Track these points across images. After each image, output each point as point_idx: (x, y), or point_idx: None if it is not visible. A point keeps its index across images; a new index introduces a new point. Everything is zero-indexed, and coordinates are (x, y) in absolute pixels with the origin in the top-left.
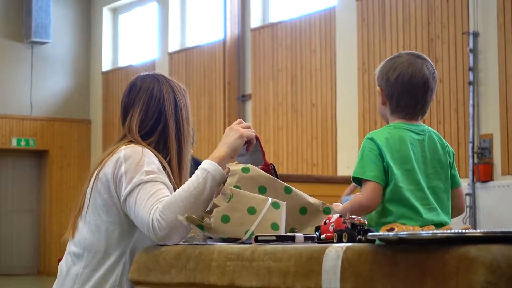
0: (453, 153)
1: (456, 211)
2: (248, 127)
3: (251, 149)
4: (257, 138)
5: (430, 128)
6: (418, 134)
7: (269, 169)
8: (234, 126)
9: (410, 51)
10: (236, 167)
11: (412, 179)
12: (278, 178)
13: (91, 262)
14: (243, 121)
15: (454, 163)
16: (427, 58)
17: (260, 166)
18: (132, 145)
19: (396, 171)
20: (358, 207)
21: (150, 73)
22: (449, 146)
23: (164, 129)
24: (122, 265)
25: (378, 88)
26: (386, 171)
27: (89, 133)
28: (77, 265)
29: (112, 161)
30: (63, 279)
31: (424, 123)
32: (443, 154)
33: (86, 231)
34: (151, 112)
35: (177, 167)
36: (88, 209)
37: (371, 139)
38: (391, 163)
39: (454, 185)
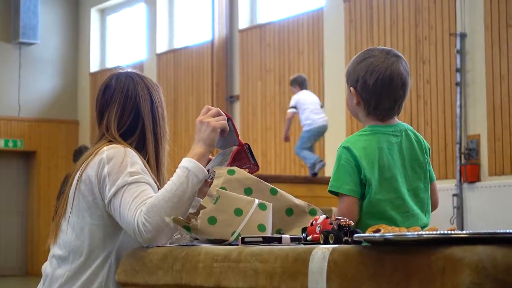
0: (429, 149)
1: (431, 206)
2: (218, 114)
3: (225, 134)
4: (229, 119)
5: (405, 124)
6: (395, 136)
7: (244, 149)
8: (204, 118)
9: (381, 47)
10: (221, 169)
11: (391, 187)
12: (254, 158)
13: (76, 265)
14: (210, 107)
15: (429, 158)
16: (400, 54)
17: (235, 148)
18: (114, 145)
19: (374, 182)
20: None
21: (124, 71)
22: (425, 141)
23: (142, 128)
24: (108, 266)
25: (352, 89)
26: (363, 183)
27: (77, 134)
28: (62, 267)
29: (94, 163)
30: (49, 283)
31: (411, 125)
32: (420, 153)
33: (70, 234)
34: (128, 111)
35: (155, 165)
36: (72, 212)
37: (347, 148)
38: (369, 175)
39: (430, 180)
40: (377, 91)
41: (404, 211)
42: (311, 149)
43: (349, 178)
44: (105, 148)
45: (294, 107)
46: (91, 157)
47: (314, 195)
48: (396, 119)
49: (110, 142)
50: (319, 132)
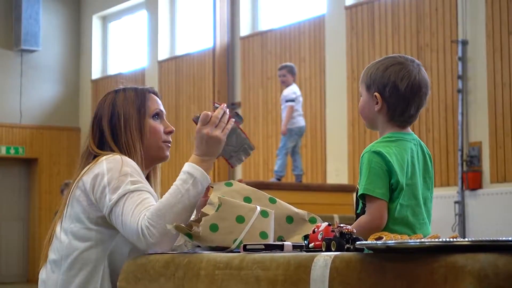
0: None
1: None
2: (219, 120)
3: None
4: (236, 115)
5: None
6: (414, 144)
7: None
8: (210, 131)
9: (401, 55)
10: (218, 183)
11: (412, 194)
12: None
13: (68, 269)
14: (208, 113)
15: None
16: (420, 63)
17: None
18: (112, 155)
19: (404, 189)
20: (368, 230)
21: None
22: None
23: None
24: (101, 272)
25: (377, 94)
26: (392, 189)
27: (78, 141)
28: (56, 272)
29: (92, 172)
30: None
31: (413, 130)
32: (430, 164)
33: (64, 238)
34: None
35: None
36: (66, 216)
37: (379, 153)
38: (401, 180)
39: None
40: (406, 96)
41: (421, 218)
42: (287, 155)
43: (381, 182)
44: (104, 157)
45: (293, 100)
46: (90, 165)
47: (315, 202)
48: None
49: (108, 152)
50: (301, 132)
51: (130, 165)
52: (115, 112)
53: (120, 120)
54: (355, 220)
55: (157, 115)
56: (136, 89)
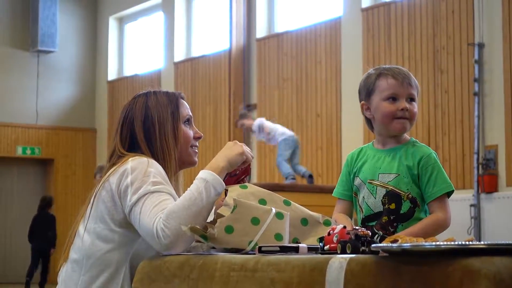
0: None
1: None
2: (249, 153)
3: (240, 169)
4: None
5: None
6: None
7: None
8: (238, 142)
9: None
10: (233, 186)
11: None
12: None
13: (90, 270)
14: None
15: None
16: None
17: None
18: (138, 156)
19: None
20: (445, 228)
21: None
22: None
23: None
24: (123, 274)
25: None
26: None
27: (94, 142)
28: (77, 272)
29: (118, 172)
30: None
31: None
32: None
33: (86, 238)
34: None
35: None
36: (90, 217)
37: (436, 155)
38: None
39: None
40: None
41: None
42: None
43: None
44: (130, 158)
45: (259, 133)
46: (116, 166)
47: (330, 204)
48: None
49: (136, 153)
50: (282, 145)
51: (155, 167)
52: (149, 115)
53: (155, 125)
54: (387, 219)
55: (188, 121)
56: (168, 93)
